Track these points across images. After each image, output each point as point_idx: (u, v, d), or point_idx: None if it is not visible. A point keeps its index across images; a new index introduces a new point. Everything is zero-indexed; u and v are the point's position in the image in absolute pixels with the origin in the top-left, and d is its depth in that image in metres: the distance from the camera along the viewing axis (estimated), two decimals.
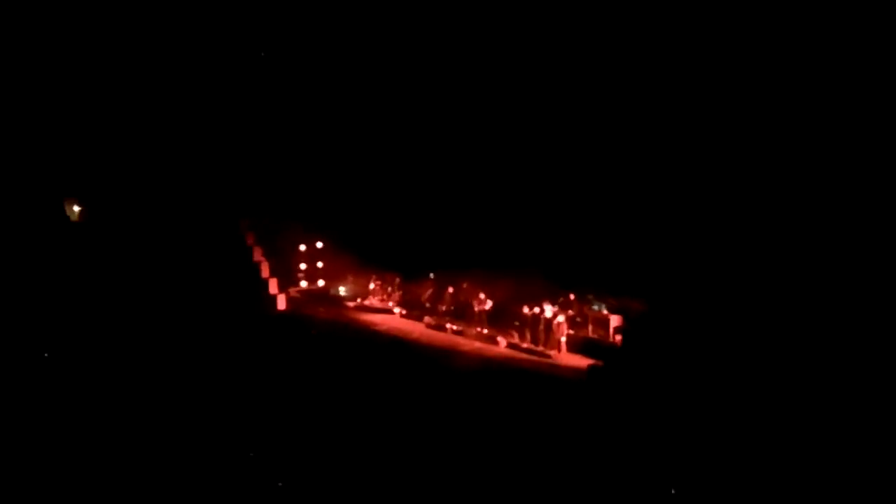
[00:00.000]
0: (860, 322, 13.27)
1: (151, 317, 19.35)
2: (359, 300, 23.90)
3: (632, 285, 17.74)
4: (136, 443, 12.90)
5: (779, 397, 12.95)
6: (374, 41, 21.96)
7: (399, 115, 22.51)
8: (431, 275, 22.54)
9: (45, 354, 16.69)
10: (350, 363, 17.43)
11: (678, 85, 17.42)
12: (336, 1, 22.01)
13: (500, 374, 17.03)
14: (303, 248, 24.82)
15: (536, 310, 18.91)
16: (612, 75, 18.67)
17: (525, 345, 18.96)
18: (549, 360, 18.05)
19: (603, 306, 18.78)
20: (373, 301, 23.70)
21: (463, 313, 21.00)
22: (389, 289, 23.57)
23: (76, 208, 22.53)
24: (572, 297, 19.23)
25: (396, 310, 22.76)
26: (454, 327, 20.59)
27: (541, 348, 18.55)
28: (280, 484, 11.81)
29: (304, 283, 24.95)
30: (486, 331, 19.94)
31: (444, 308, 21.70)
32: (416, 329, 21.14)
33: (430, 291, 22.32)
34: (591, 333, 18.70)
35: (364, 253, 23.12)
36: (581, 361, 17.61)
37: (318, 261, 25.05)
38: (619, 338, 17.91)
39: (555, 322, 18.46)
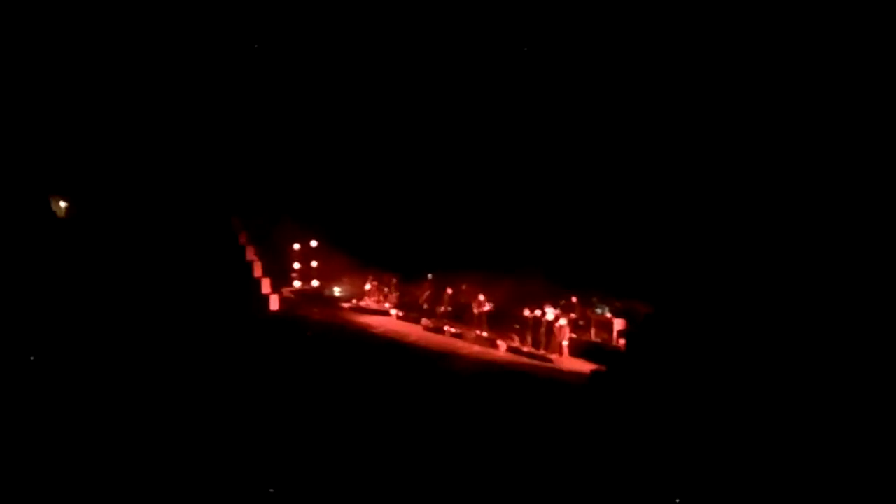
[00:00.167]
0: (870, 329, 13.27)
1: (139, 318, 19.29)
2: (354, 301, 23.87)
3: (637, 287, 17.74)
4: (120, 448, 12.86)
5: (788, 407, 12.92)
6: (375, 36, 21.93)
7: (396, 109, 22.49)
8: (429, 275, 22.52)
9: (31, 357, 16.61)
10: (345, 367, 17.39)
11: (686, 86, 17.44)
12: None
13: (500, 379, 16.99)
14: (297, 246, 24.79)
15: (538, 312, 18.88)
16: (618, 75, 18.69)
17: (526, 348, 18.92)
18: (551, 365, 18.02)
19: (606, 309, 18.79)
20: (369, 302, 23.67)
21: (462, 315, 20.96)
22: (386, 290, 23.55)
23: (62, 204, 22.46)
24: (575, 299, 19.25)
25: (393, 311, 22.73)
26: (453, 330, 20.56)
27: (542, 352, 18.53)
28: (272, 490, 11.78)
29: (297, 283, 24.92)
30: (485, 334, 19.90)
31: (442, 310, 21.67)
32: (414, 331, 21.10)
33: (427, 293, 22.31)
34: (594, 337, 18.72)
35: (360, 252, 23.10)
36: (584, 366, 17.57)
37: (312, 260, 25.02)
38: (623, 342, 17.90)
39: (557, 325, 18.44)
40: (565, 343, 18.35)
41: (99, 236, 21.69)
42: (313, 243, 24.82)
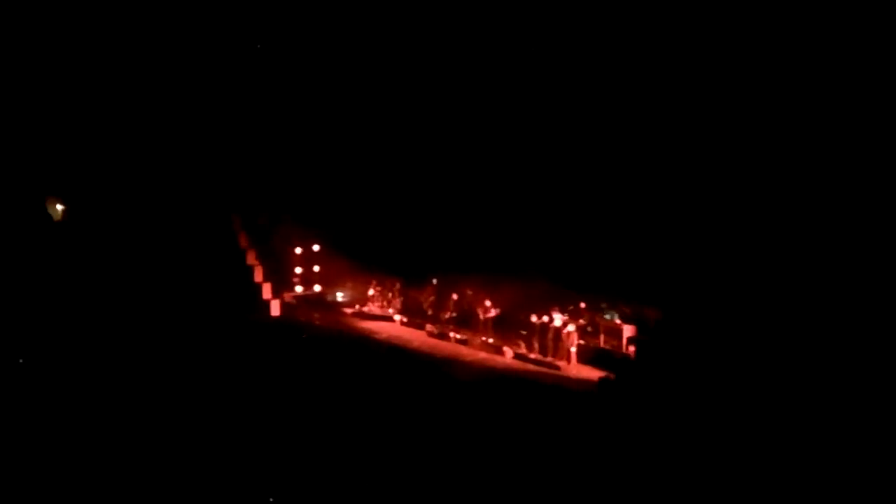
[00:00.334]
0: (890, 338, 13.21)
1: (136, 322, 19.36)
2: (357, 306, 23.84)
3: (647, 292, 17.67)
4: (117, 457, 12.92)
5: (805, 418, 12.87)
6: (380, 32, 21.98)
7: (399, 107, 22.50)
8: (434, 280, 22.48)
9: (20, 360, 16.71)
10: (347, 373, 17.43)
11: (698, 91, 17.42)
12: None
13: (506, 386, 17.01)
14: (298, 250, 24.82)
15: (545, 318, 18.87)
16: (627, 77, 18.69)
17: (533, 355, 18.91)
18: (558, 372, 18.01)
19: (616, 315, 18.71)
20: (371, 307, 23.66)
21: (467, 321, 20.94)
22: (389, 294, 23.53)
23: (59, 207, 22.57)
24: (583, 304, 19.18)
25: (397, 317, 22.73)
26: (457, 336, 20.56)
27: (549, 359, 18.51)
28: (272, 500, 11.83)
29: (299, 288, 24.96)
30: (491, 340, 19.88)
31: (447, 315, 21.64)
32: (417, 337, 21.11)
33: (432, 298, 22.26)
34: (602, 344, 18.62)
35: (363, 256, 23.09)
36: (592, 373, 17.56)
37: (314, 264, 25.04)
38: (632, 349, 17.82)
39: (564, 331, 18.42)
40: (573, 350, 18.33)
41: (95, 238, 21.76)
42: (315, 247, 24.85)
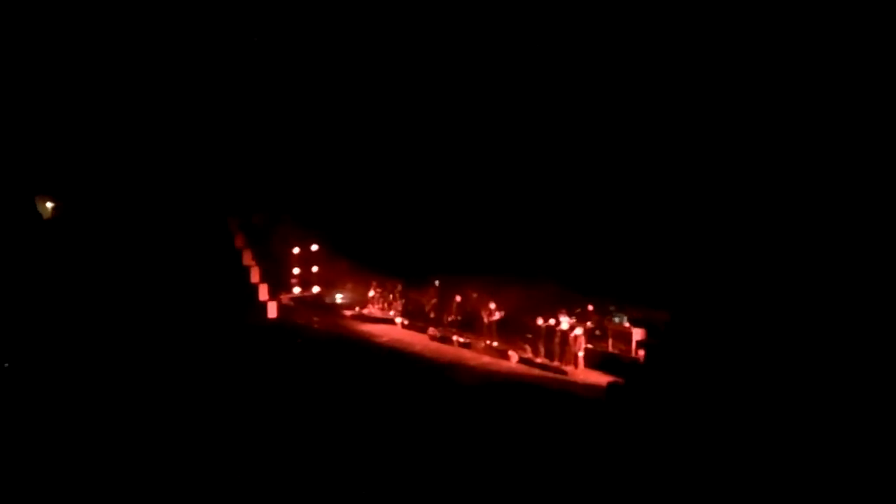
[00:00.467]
0: None
1: (130, 324, 19.33)
2: (357, 308, 23.88)
3: (656, 295, 17.63)
4: (112, 460, 12.88)
5: (818, 426, 12.79)
6: (385, 36, 21.98)
7: (401, 107, 22.50)
8: (436, 281, 22.47)
9: (6, 364, 16.70)
10: (347, 378, 17.38)
11: (708, 96, 17.41)
12: None
13: (511, 392, 16.95)
14: (296, 250, 24.80)
15: (551, 321, 18.81)
16: (635, 82, 18.68)
17: (539, 360, 18.86)
18: (565, 377, 17.97)
19: (624, 318, 18.70)
20: (372, 310, 23.66)
21: (471, 324, 20.90)
22: (390, 296, 23.52)
23: (49, 205, 22.54)
24: (591, 307, 19.19)
25: (398, 320, 22.73)
26: (461, 339, 20.53)
27: (556, 364, 18.46)
28: None
29: (297, 290, 24.93)
30: (495, 344, 19.84)
31: (449, 318, 21.63)
32: (419, 341, 21.12)
33: (434, 300, 22.27)
34: (611, 348, 18.61)
35: (363, 257, 23.08)
36: (600, 378, 17.49)
37: (312, 265, 25.04)
38: (641, 353, 17.80)
39: (571, 335, 18.35)
40: (581, 354, 18.28)
41: (88, 236, 21.75)
42: (314, 247, 24.84)
